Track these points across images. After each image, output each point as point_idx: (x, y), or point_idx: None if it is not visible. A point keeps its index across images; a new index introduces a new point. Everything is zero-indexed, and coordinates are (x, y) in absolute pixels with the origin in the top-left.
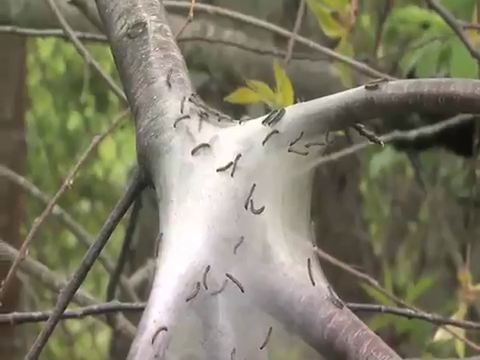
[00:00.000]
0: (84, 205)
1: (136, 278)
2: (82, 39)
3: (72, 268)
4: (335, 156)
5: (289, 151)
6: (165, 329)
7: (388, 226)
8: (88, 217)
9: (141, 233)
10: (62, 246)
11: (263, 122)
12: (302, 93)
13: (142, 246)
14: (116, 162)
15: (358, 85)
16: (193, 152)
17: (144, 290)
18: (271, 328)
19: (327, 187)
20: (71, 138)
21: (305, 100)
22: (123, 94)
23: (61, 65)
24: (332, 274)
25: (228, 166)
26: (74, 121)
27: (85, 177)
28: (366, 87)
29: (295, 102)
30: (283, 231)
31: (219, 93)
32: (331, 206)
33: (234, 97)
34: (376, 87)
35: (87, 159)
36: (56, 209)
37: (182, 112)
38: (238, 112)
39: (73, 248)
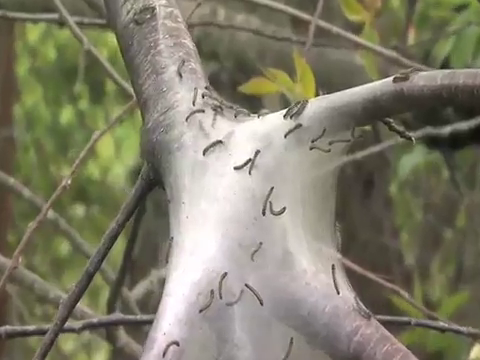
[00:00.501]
0: (78, 209)
1: (138, 290)
2: (80, 24)
3: (66, 280)
4: (361, 154)
5: (311, 148)
6: (176, 343)
7: (420, 233)
8: (83, 223)
9: (143, 241)
10: (54, 255)
11: (284, 116)
12: (324, 84)
13: (144, 255)
14: (114, 161)
15: (387, 75)
16: (207, 149)
17: (147, 304)
18: (292, 341)
19: (352, 189)
20: (63, 134)
21: (328, 92)
22: (124, 84)
23: (52, 51)
24: (358, 285)
25: (245, 164)
26: (67, 114)
27: (80, 178)
28: (395, 78)
29: (317, 94)
30: (305, 236)
31: (230, 83)
32: (357, 210)
33: (248, 87)
34: (406, 78)
35: (83, 157)
36: (50, 213)
37: (194, 105)
38: (252, 105)
39: (66, 257)
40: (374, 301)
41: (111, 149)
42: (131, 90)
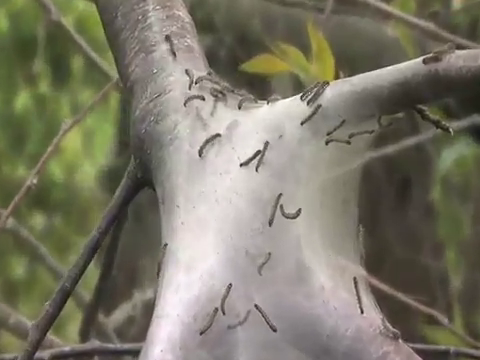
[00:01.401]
0: (37, 218)
1: (117, 316)
2: None
3: (22, 306)
4: (394, 149)
5: (327, 143)
6: None
7: (469, 249)
8: (43, 234)
9: (121, 257)
10: (8, 276)
11: (297, 102)
12: (345, 63)
13: (122, 275)
14: (82, 158)
15: (425, 52)
16: (205, 143)
17: (128, 331)
18: None
19: (384, 193)
20: (18, 124)
21: (350, 73)
22: (96, 59)
23: (3, 21)
24: (389, 309)
25: (251, 160)
26: (22, 100)
27: (39, 179)
28: (426, 59)
29: (336, 75)
30: (322, 246)
31: (230, 61)
32: (389, 220)
33: (251, 66)
34: (438, 58)
35: (50, 153)
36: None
37: (191, 90)
38: (256, 89)
39: (21, 279)
40: (408, 328)
41: (78, 143)
42: (104, 68)
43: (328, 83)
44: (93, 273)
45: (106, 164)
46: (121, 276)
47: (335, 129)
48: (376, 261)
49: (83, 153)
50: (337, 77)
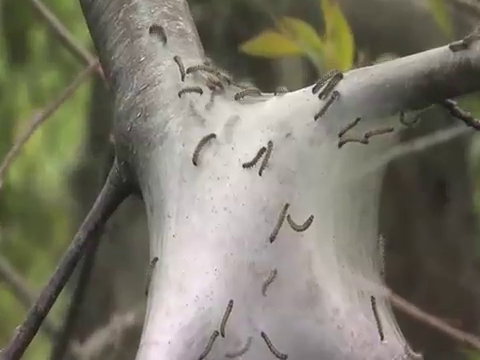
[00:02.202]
0: None
1: (93, 344)
2: None
3: None
4: (425, 145)
5: (340, 144)
6: None
7: None
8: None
9: (96, 275)
10: None
11: (310, 94)
12: (367, 40)
13: (98, 295)
14: (44, 157)
15: (461, 28)
16: (201, 143)
17: None
18: None
19: (416, 201)
20: None
21: (371, 52)
22: (68, 38)
23: None
24: (420, 334)
25: (254, 162)
26: None
27: None
28: (455, 46)
29: (355, 57)
30: (337, 261)
31: (227, 39)
32: (422, 233)
33: (254, 46)
34: (469, 45)
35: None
36: None
37: (184, 81)
38: (261, 72)
39: None
40: (445, 358)
41: (38, 138)
42: (73, 43)
43: (342, 75)
44: (62, 294)
45: (74, 164)
46: (96, 297)
47: (350, 127)
48: (407, 280)
49: (45, 150)
50: (356, 59)
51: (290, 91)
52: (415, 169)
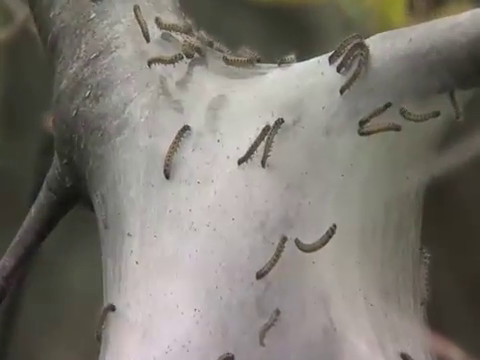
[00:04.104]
0: None
1: None
2: None
3: None
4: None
5: (362, 134)
6: None
7: None
8: None
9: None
10: None
11: (326, 66)
12: None
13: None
14: None
15: None
16: (176, 141)
17: None
18: None
19: (476, 216)
20: None
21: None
22: None
23: None
24: None
25: (247, 157)
26: None
27: None
28: None
29: (410, 4)
30: (363, 293)
31: None
32: None
33: None
34: None
35: None
36: None
37: (150, 46)
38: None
39: None
40: None
41: None
42: None
43: (362, 44)
44: None
45: None
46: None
47: (376, 113)
48: (464, 310)
49: None
50: (411, 8)
51: (306, 59)
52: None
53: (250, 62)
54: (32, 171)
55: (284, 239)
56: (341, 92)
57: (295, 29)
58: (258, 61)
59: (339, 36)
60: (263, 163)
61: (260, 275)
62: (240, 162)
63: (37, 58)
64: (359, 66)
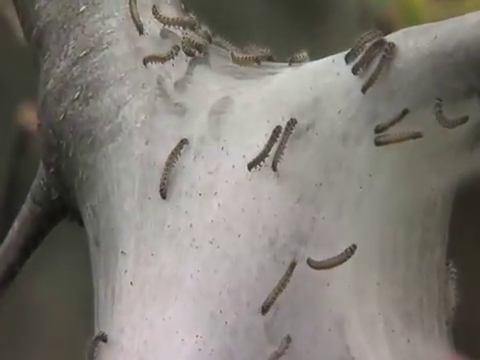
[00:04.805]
0: None
1: None
2: None
3: None
4: None
5: (377, 144)
6: None
7: None
8: None
9: None
10: None
11: (342, 66)
12: None
13: None
14: None
15: None
16: (181, 143)
17: None
18: None
19: None
20: None
21: None
22: None
23: None
24: None
25: (262, 158)
26: None
27: None
28: None
29: None
30: (384, 323)
31: None
32: None
33: None
34: None
35: None
36: None
37: (145, 42)
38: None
39: None
40: None
41: None
42: None
43: (383, 42)
44: None
45: None
46: None
47: (394, 122)
48: None
49: None
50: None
51: (318, 58)
52: None
53: (261, 60)
54: (4, 173)
55: (293, 265)
56: (363, 90)
57: (306, 12)
58: (270, 59)
59: (355, 21)
60: (274, 166)
61: (265, 308)
62: (250, 167)
63: (12, 45)
64: (381, 62)
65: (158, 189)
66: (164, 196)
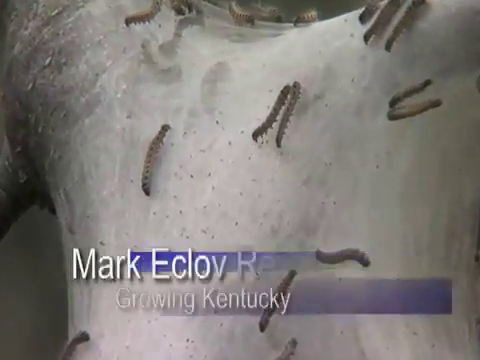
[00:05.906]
0: None
1: None
2: None
3: None
4: None
5: (391, 118)
6: None
7: None
8: None
9: None
10: None
11: (356, 24)
12: None
13: None
14: None
15: None
16: (158, 137)
17: None
18: None
19: None
20: None
21: None
22: None
23: None
24: None
25: (266, 128)
26: None
27: None
28: None
29: None
30: (405, 323)
31: None
32: None
33: None
34: None
35: None
36: None
37: None
38: None
39: None
40: None
41: None
42: None
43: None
44: None
45: None
46: None
47: (411, 92)
48: None
49: None
50: None
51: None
52: None
53: (271, 19)
54: None
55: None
56: (387, 47)
57: None
58: (278, 19)
59: None
60: (278, 142)
61: (263, 324)
62: (255, 135)
63: None
64: (406, 15)
65: (141, 176)
66: (147, 192)
